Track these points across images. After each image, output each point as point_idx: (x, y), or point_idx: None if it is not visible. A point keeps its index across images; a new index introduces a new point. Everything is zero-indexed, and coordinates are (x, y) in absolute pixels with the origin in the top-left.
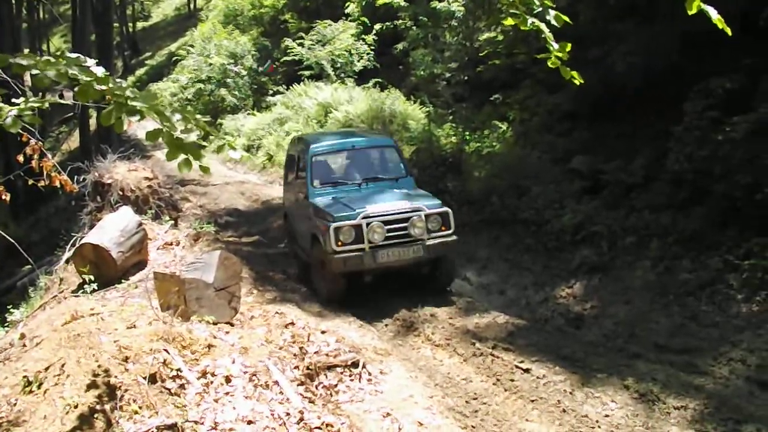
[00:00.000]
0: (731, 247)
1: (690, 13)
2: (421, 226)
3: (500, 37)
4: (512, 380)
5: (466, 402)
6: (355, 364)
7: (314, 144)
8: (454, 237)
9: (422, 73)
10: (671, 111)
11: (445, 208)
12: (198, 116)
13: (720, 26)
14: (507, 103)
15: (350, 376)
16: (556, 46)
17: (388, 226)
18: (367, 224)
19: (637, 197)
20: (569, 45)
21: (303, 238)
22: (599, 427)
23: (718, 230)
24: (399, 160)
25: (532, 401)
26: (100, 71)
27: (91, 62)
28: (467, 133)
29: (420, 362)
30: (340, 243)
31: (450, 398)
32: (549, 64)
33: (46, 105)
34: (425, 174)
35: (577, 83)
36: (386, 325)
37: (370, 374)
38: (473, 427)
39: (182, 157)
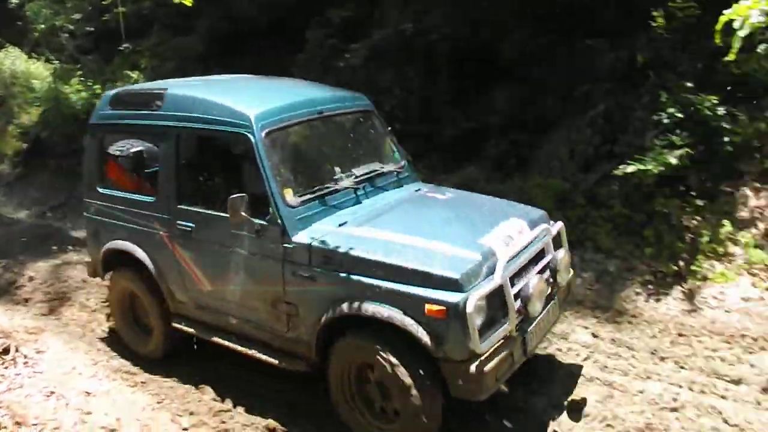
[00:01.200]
0: None
1: None
2: (567, 264)
3: None
4: None
5: (133, 360)
6: (6, 351)
7: (253, 110)
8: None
9: (42, 26)
10: (298, 43)
11: (560, 222)
12: None
13: None
14: (138, 51)
15: (3, 364)
16: None
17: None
18: (513, 282)
19: None
20: None
21: (270, 330)
22: None
23: None
24: (387, 135)
25: None
26: None
27: None
28: (98, 86)
29: (78, 331)
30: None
31: (115, 360)
32: None
33: None
34: None
35: (188, 4)
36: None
37: (25, 357)
38: (143, 382)
39: None
